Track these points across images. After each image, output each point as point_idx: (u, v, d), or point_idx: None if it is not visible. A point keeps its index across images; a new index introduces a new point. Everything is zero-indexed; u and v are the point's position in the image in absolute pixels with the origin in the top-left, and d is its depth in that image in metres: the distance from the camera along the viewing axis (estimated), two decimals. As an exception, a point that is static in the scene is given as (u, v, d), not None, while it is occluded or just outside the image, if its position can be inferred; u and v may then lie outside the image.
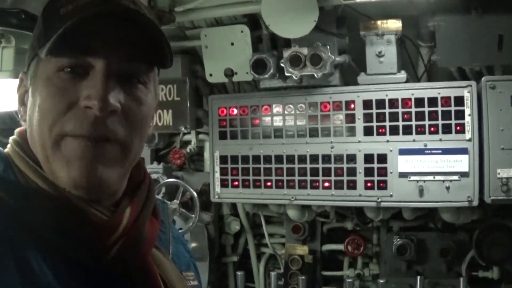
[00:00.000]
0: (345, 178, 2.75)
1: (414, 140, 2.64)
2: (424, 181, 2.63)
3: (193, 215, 2.95)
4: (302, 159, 2.81)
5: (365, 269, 3.13)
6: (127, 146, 1.07)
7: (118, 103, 1.03)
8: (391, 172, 2.68)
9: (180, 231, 3.04)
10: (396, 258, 2.97)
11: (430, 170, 2.62)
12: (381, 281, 2.81)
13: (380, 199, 2.69)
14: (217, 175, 2.95)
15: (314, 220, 3.15)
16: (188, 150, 3.20)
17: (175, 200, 2.97)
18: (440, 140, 2.60)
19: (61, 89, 1.02)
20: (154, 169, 3.14)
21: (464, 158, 2.57)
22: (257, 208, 3.11)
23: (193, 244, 3.14)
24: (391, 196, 2.68)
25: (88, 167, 1.01)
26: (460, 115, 2.57)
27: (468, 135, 2.56)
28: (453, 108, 2.58)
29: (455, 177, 2.58)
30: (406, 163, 2.66)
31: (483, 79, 2.52)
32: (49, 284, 0.97)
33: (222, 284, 3.37)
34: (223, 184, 2.94)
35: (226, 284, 3.39)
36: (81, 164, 1.01)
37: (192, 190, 2.96)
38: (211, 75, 2.92)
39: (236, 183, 2.92)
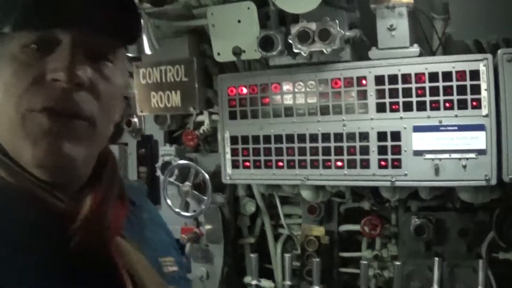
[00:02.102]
0: (358, 157, 2.66)
1: (428, 117, 2.52)
2: (440, 159, 2.51)
3: (205, 197, 2.92)
4: (313, 138, 2.73)
5: (384, 250, 3.04)
6: (94, 124, 1.04)
7: (86, 78, 1.00)
8: (405, 150, 2.57)
9: (193, 213, 3.01)
10: (414, 239, 2.87)
11: (445, 147, 2.50)
12: (397, 263, 2.72)
13: (394, 179, 2.60)
14: (228, 156, 2.90)
15: (330, 200, 3.07)
16: (201, 131, 3.15)
17: (186, 182, 2.94)
18: (456, 116, 2.48)
19: (26, 65, 1.00)
20: (166, 151, 3.11)
21: (481, 135, 2.44)
22: (271, 188, 3.05)
23: (207, 227, 3.11)
24: (405, 175, 2.58)
25: (54, 144, 0.99)
26: (476, 89, 2.43)
27: (484, 111, 2.43)
28: (468, 83, 2.44)
29: (472, 155, 2.45)
30: (420, 141, 2.55)
31: (499, 51, 2.37)
32: (9, 277, 0.95)
33: (240, 265, 3.34)
34: (234, 165, 2.89)
35: (244, 266, 3.35)
36: (46, 141, 0.98)
37: (203, 171, 2.92)
38: (219, 54, 2.85)
39: (248, 163, 2.86)
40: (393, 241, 3.04)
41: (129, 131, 3.34)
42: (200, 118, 3.21)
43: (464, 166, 2.47)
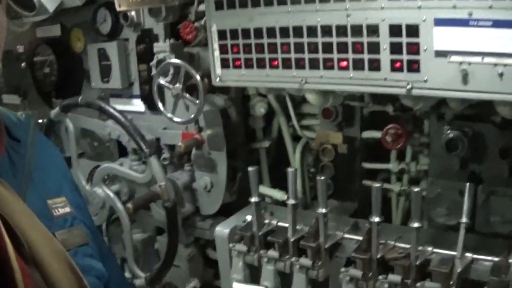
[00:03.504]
0: (365, 56, 2.08)
1: (455, 7, 1.86)
2: (469, 63, 1.87)
3: (198, 101, 2.50)
4: (312, 31, 2.17)
5: (412, 163, 2.52)
6: None
7: None
8: (425, 50, 1.95)
9: (186, 119, 2.63)
10: (446, 154, 2.31)
11: (476, 49, 1.85)
12: (416, 189, 2.15)
13: (411, 85, 2.02)
14: (216, 53, 2.42)
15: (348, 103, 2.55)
16: (202, 22, 2.64)
17: (177, 85, 2.53)
18: (490, 7, 1.79)
19: None
20: (160, 47, 2.66)
21: (525, 34, 1.76)
22: (273, 89, 2.56)
23: (208, 132, 2.70)
24: (425, 81, 1.99)
25: None
26: (520, -28, 1.73)
27: (531, 2, 1.73)
28: (509, -38, 1.74)
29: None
30: (444, 38, 1.91)
31: None
32: None
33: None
34: (224, 64, 2.42)
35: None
36: None
37: (194, 71, 2.47)
38: None
39: (238, 62, 2.38)
40: (425, 152, 2.50)
41: (127, 26, 2.92)
42: (202, 7, 2.67)
43: (501, 75, 1.83)
